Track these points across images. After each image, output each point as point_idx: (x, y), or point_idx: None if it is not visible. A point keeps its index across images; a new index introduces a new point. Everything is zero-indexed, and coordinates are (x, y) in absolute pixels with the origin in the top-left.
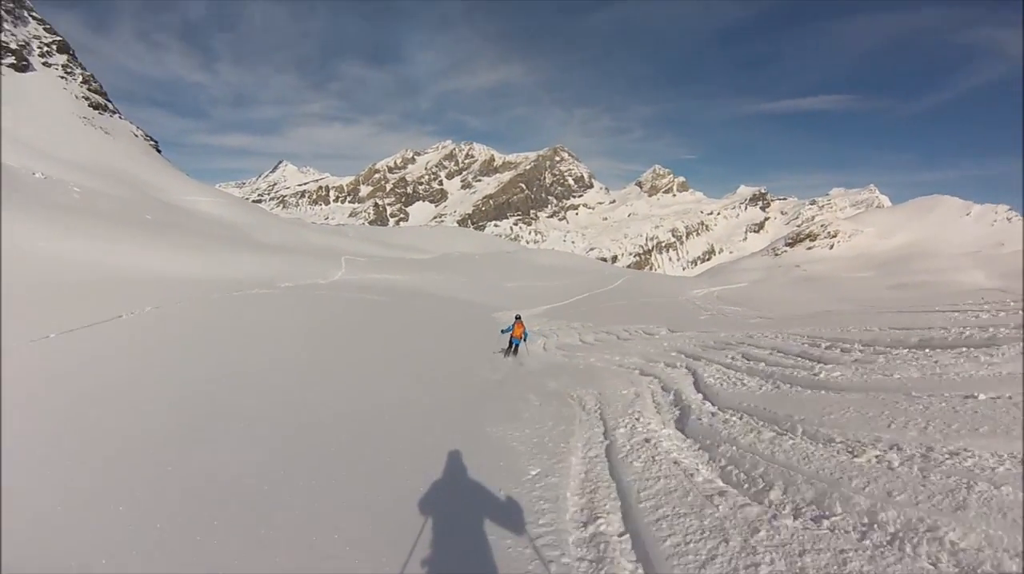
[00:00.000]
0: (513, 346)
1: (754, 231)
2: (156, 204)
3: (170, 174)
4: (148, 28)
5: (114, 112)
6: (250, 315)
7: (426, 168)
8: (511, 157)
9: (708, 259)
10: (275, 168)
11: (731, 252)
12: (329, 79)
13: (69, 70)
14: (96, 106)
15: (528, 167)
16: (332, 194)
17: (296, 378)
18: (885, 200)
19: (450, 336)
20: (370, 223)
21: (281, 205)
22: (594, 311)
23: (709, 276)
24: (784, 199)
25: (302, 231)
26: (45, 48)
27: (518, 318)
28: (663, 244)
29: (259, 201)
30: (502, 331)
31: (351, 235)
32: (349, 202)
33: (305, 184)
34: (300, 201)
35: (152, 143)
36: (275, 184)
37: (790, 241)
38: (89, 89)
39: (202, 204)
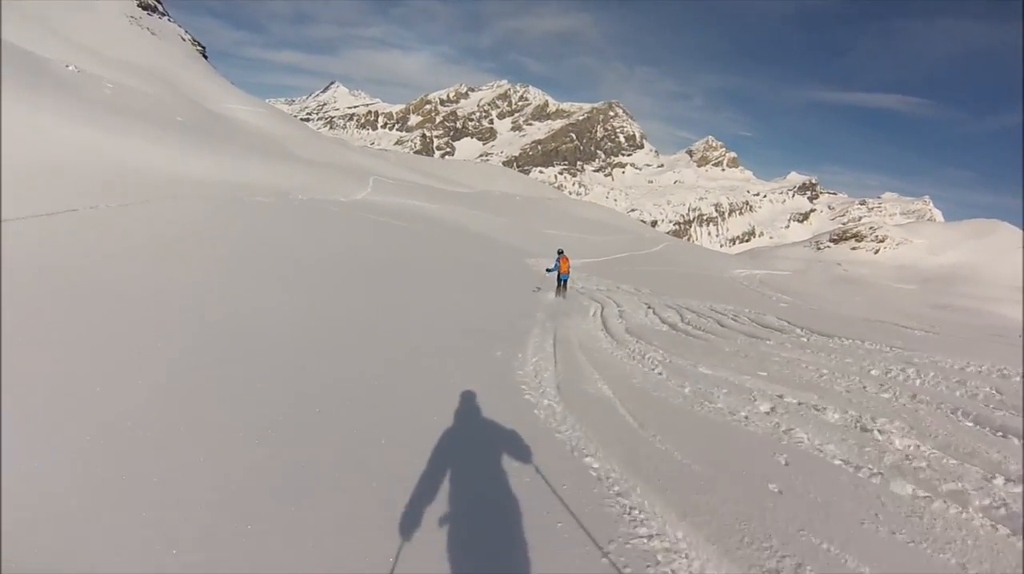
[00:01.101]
0: (561, 283)
1: (798, 220)
2: (191, 107)
3: (213, 81)
4: None
5: (163, 15)
6: (227, 224)
7: (478, 105)
8: (565, 105)
9: (747, 240)
10: (326, 88)
11: (771, 238)
12: (392, 4)
13: None
14: (145, 7)
15: (581, 118)
16: (381, 119)
17: (239, 322)
18: (938, 214)
19: (462, 286)
20: (415, 153)
21: (328, 125)
22: (640, 275)
23: (749, 257)
24: (834, 194)
25: (341, 150)
26: None
27: (561, 253)
28: (705, 217)
29: (307, 119)
30: (547, 270)
31: (391, 160)
32: (397, 130)
33: (355, 107)
34: (348, 123)
35: (199, 48)
36: (324, 104)
37: (835, 238)
38: None
39: (241, 112)
